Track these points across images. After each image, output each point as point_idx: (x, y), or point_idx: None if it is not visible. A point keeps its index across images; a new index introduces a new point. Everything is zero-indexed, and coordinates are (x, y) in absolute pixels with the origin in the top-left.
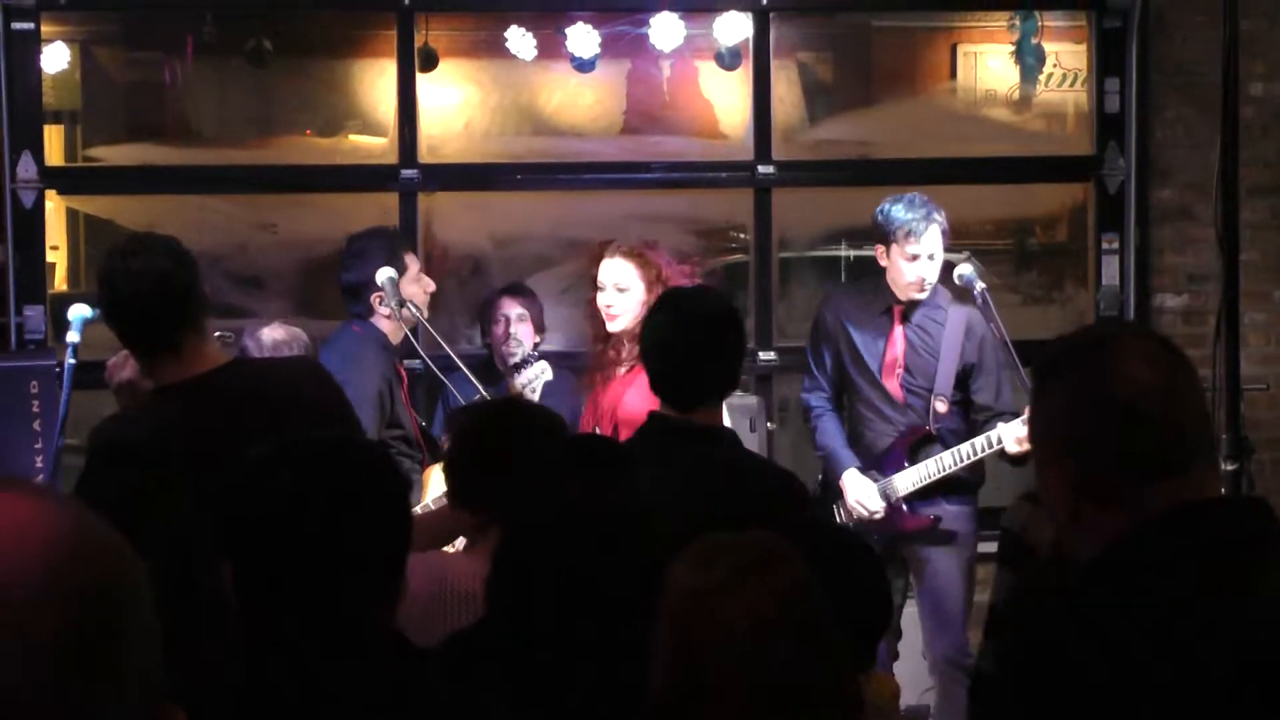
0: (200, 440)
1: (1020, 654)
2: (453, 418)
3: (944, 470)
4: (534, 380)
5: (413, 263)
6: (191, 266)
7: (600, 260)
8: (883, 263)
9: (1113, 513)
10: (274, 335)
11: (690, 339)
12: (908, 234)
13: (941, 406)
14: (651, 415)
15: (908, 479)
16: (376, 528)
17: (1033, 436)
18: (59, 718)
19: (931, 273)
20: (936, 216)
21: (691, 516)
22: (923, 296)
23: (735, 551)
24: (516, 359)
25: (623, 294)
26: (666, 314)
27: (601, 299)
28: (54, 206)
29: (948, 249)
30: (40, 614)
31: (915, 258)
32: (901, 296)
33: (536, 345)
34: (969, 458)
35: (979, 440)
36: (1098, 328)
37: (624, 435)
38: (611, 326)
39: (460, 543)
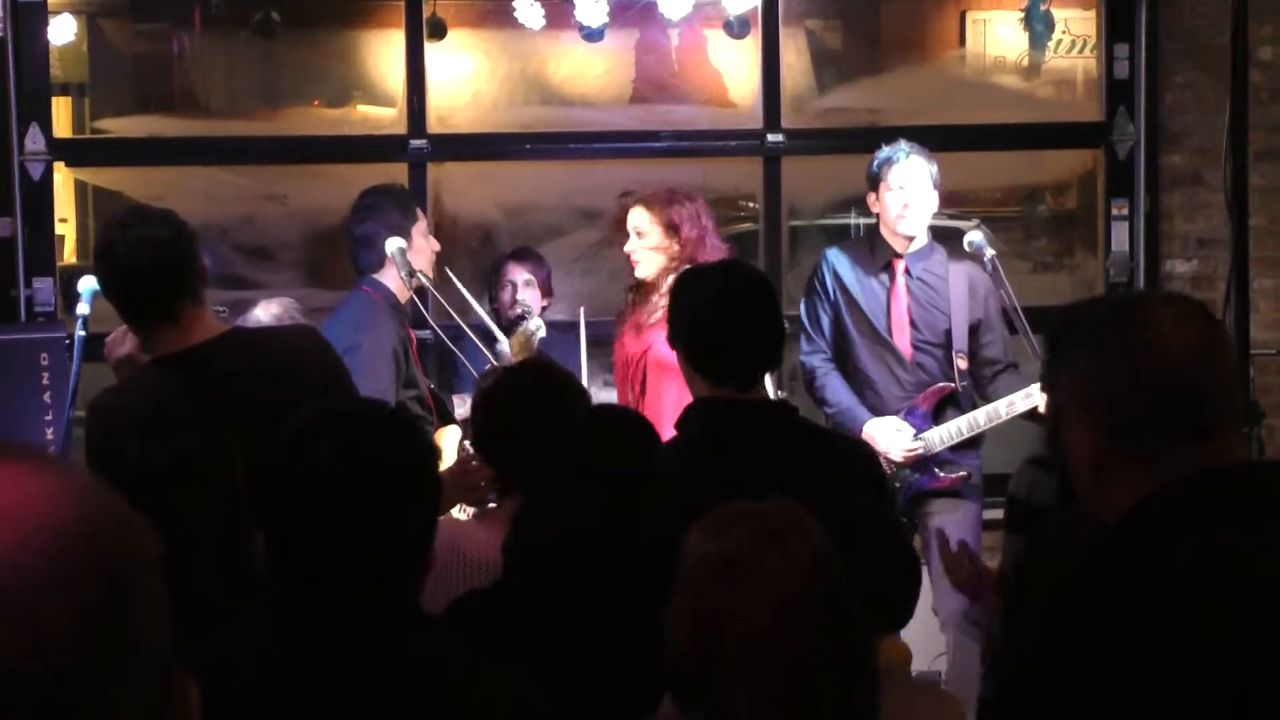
0: (199, 410)
1: (1042, 621)
2: (478, 383)
3: (976, 428)
4: (531, 336)
5: (422, 218)
6: (189, 237)
7: (626, 211)
8: (874, 209)
9: (1138, 474)
10: (269, 310)
11: (745, 311)
12: (888, 163)
13: (963, 363)
14: (704, 402)
15: (936, 438)
16: (411, 497)
17: (1057, 395)
18: (73, 703)
19: (916, 202)
20: (920, 155)
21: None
22: (912, 232)
23: (752, 520)
24: (510, 319)
25: (641, 238)
26: (708, 289)
27: (626, 247)
28: (62, 179)
29: (955, 215)
30: (49, 601)
31: (901, 189)
32: (895, 236)
33: (544, 309)
34: (1000, 416)
35: (1015, 398)
36: (1128, 292)
37: (653, 379)
38: (636, 272)
39: (470, 510)
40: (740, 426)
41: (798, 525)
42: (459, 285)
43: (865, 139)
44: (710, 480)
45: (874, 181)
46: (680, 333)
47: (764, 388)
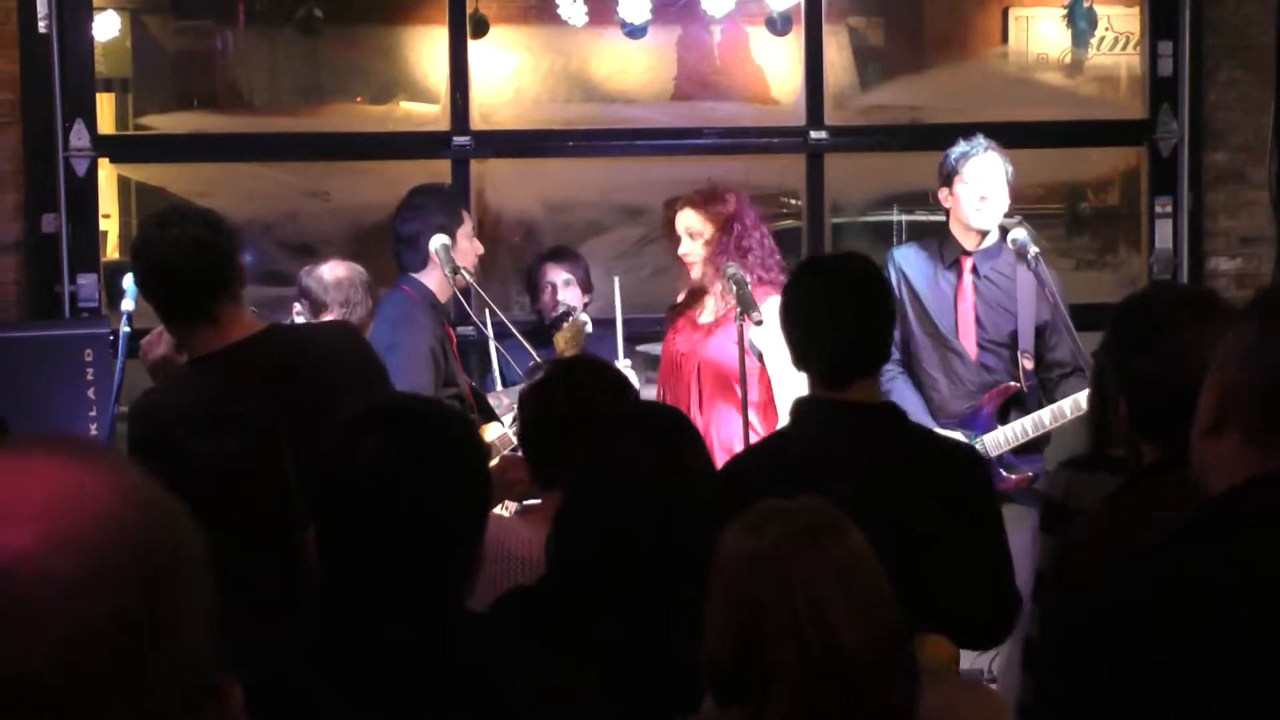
0: (243, 408)
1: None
2: (525, 377)
3: (1040, 429)
4: (581, 329)
5: (467, 220)
6: (228, 235)
7: (675, 216)
8: (946, 204)
9: (1250, 453)
10: (335, 273)
11: (853, 306)
12: (965, 157)
13: (1028, 364)
14: (816, 400)
15: (1000, 438)
16: (462, 491)
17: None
18: (95, 708)
19: (993, 196)
20: (996, 151)
21: (898, 504)
22: (987, 226)
23: (787, 518)
24: (555, 316)
25: (695, 240)
26: (815, 282)
27: (680, 250)
28: (106, 175)
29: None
30: (77, 605)
31: (978, 182)
32: (969, 229)
33: (586, 306)
34: (1065, 416)
35: (1082, 396)
36: None
37: (707, 381)
38: (694, 274)
39: (512, 507)
40: (836, 427)
41: (833, 523)
42: (484, 296)
43: (908, 136)
44: (800, 480)
45: (948, 176)
46: (784, 329)
47: (873, 387)
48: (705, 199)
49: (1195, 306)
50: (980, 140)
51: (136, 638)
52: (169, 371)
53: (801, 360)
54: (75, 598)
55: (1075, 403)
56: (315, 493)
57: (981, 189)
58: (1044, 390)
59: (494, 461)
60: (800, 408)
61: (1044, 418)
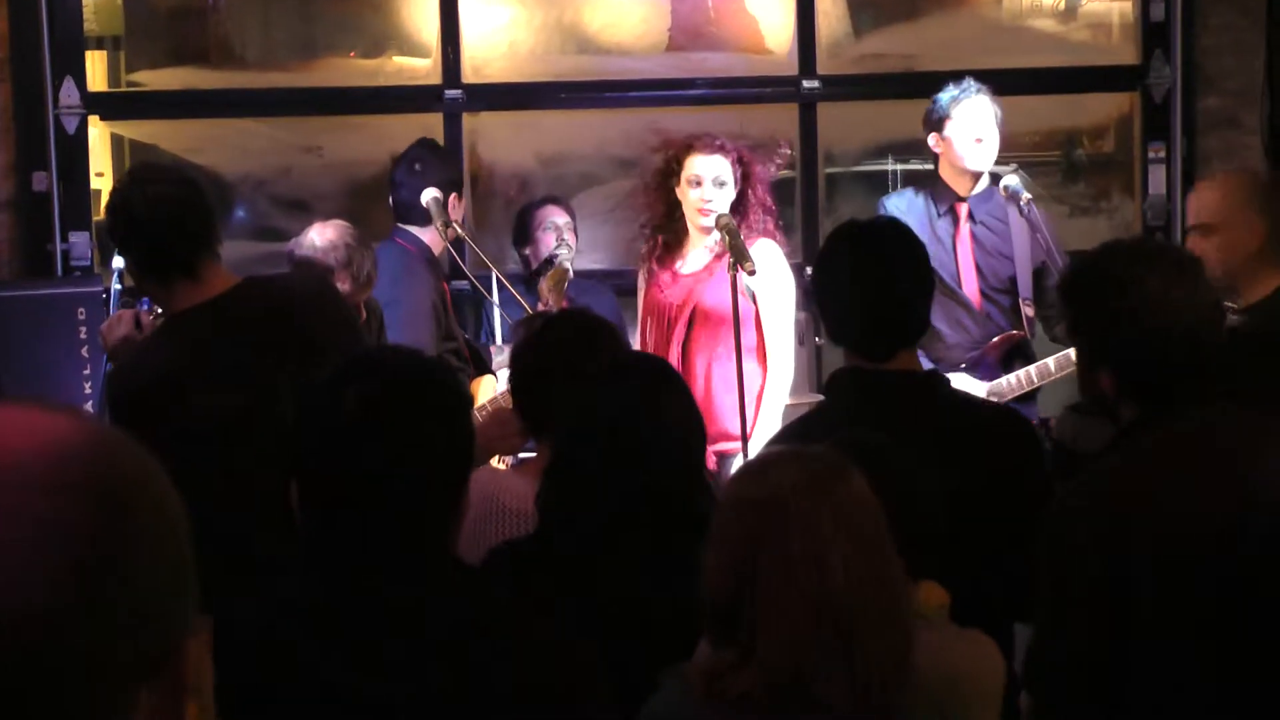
0: (220, 361)
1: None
2: (515, 330)
3: (1048, 376)
4: (559, 280)
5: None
6: (204, 191)
7: (689, 153)
8: (937, 150)
9: None
10: (326, 236)
11: (897, 274)
12: (956, 100)
13: (1029, 310)
14: (855, 371)
15: (1003, 386)
16: (444, 444)
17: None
18: (61, 627)
19: (987, 137)
20: (987, 95)
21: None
22: (982, 167)
23: (793, 465)
24: (540, 262)
25: (721, 189)
26: (856, 250)
27: (696, 194)
28: (98, 133)
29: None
30: (49, 507)
31: (972, 124)
32: (964, 173)
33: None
34: (1073, 363)
35: (1072, 352)
36: None
37: (701, 329)
38: (704, 222)
39: (508, 460)
40: (876, 398)
41: (835, 468)
42: (477, 249)
43: (901, 85)
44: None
45: (938, 121)
46: (820, 300)
47: (914, 357)
48: (728, 147)
49: (1147, 258)
50: (970, 83)
51: (96, 553)
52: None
53: (840, 330)
54: (40, 498)
55: (1064, 358)
56: (297, 447)
57: (975, 130)
58: (1045, 325)
59: (484, 414)
60: (840, 380)
61: (1049, 365)
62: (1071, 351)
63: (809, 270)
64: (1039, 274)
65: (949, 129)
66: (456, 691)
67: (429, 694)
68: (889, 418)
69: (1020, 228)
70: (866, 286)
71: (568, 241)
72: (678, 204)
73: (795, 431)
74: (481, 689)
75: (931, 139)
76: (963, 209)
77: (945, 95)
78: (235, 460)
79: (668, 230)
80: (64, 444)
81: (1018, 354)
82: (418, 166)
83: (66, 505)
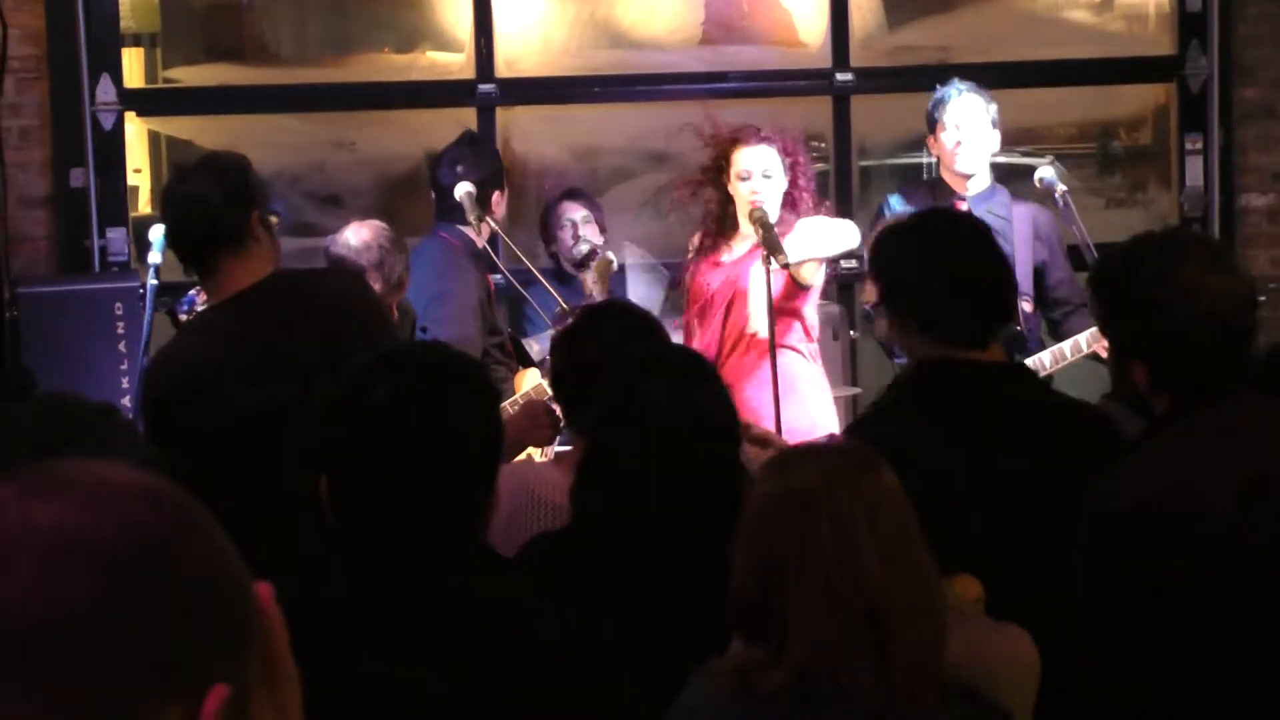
0: (250, 355)
1: None
2: (556, 321)
3: (1043, 371)
4: (610, 265)
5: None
6: (239, 188)
7: (735, 147)
8: (934, 151)
9: None
10: (361, 236)
11: (992, 258)
12: (942, 102)
13: (1028, 306)
14: (950, 360)
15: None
16: (472, 437)
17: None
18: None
19: (970, 139)
20: (975, 92)
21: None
22: (968, 170)
23: (821, 460)
24: (582, 254)
25: (769, 180)
26: (954, 234)
27: (745, 188)
28: (136, 129)
29: (1027, 152)
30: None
31: (956, 127)
32: (955, 177)
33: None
34: (1066, 358)
35: (1081, 338)
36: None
37: (741, 308)
38: (747, 214)
39: (550, 452)
40: (977, 390)
41: (864, 462)
42: (510, 244)
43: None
44: (949, 447)
45: (931, 122)
46: (908, 287)
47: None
48: (775, 138)
49: (1180, 248)
50: (956, 84)
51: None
52: None
53: (935, 316)
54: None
55: (1075, 344)
56: (325, 444)
57: (959, 134)
58: (1049, 328)
59: (518, 406)
60: (933, 370)
61: (1044, 360)
62: (1067, 347)
63: (842, 263)
64: (1039, 272)
65: (939, 132)
66: (484, 685)
67: (459, 687)
68: (993, 410)
69: (1023, 224)
70: (979, 269)
71: (585, 236)
72: (730, 199)
73: (878, 422)
74: (509, 683)
75: (929, 140)
76: (961, 208)
77: (934, 97)
78: (266, 455)
79: (725, 226)
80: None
81: (1016, 350)
82: (459, 168)
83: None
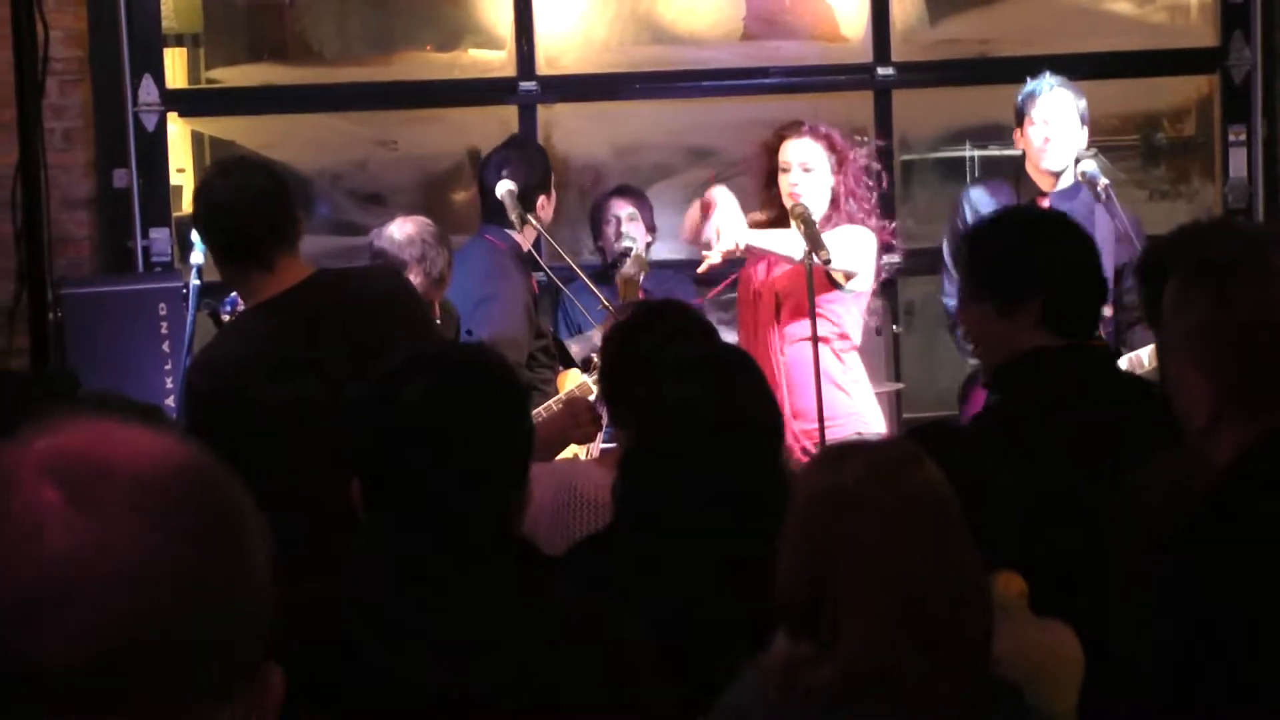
0: (289, 354)
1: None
2: (606, 319)
3: (1142, 369)
4: (636, 272)
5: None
6: (285, 185)
7: (782, 141)
8: (1020, 145)
9: (1247, 422)
10: (405, 230)
11: (1087, 244)
12: (1032, 96)
13: (1108, 311)
14: (1071, 349)
15: None
16: (505, 436)
17: (1174, 340)
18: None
19: (1058, 136)
20: (1066, 88)
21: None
22: (1056, 167)
23: (865, 455)
24: (619, 252)
25: (808, 174)
26: (1055, 224)
27: (785, 180)
28: (178, 130)
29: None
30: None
31: (1045, 123)
32: (1040, 173)
33: (649, 245)
34: (1144, 366)
35: (1148, 350)
36: (1243, 226)
37: (785, 309)
38: (790, 205)
39: (596, 450)
40: (1099, 375)
41: (910, 458)
42: (554, 243)
43: (977, 70)
44: (1085, 435)
45: (1019, 116)
46: (1016, 274)
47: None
48: (818, 133)
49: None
50: (1047, 77)
51: (204, 562)
52: None
53: (1062, 307)
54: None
55: (1151, 353)
56: (358, 444)
57: (1048, 130)
58: (1116, 332)
59: (561, 404)
60: (1052, 357)
61: (1143, 357)
62: (1144, 354)
63: (885, 258)
64: (1119, 274)
65: (1027, 127)
66: (522, 685)
67: (494, 687)
68: (1114, 392)
69: (1104, 225)
70: (1092, 258)
71: (629, 234)
72: (779, 193)
73: (1007, 414)
74: (547, 683)
75: (1015, 134)
76: (1044, 205)
77: (1023, 90)
78: (303, 455)
79: (782, 223)
80: (176, 462)
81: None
82: (505, 170)
83: (180, 516)
